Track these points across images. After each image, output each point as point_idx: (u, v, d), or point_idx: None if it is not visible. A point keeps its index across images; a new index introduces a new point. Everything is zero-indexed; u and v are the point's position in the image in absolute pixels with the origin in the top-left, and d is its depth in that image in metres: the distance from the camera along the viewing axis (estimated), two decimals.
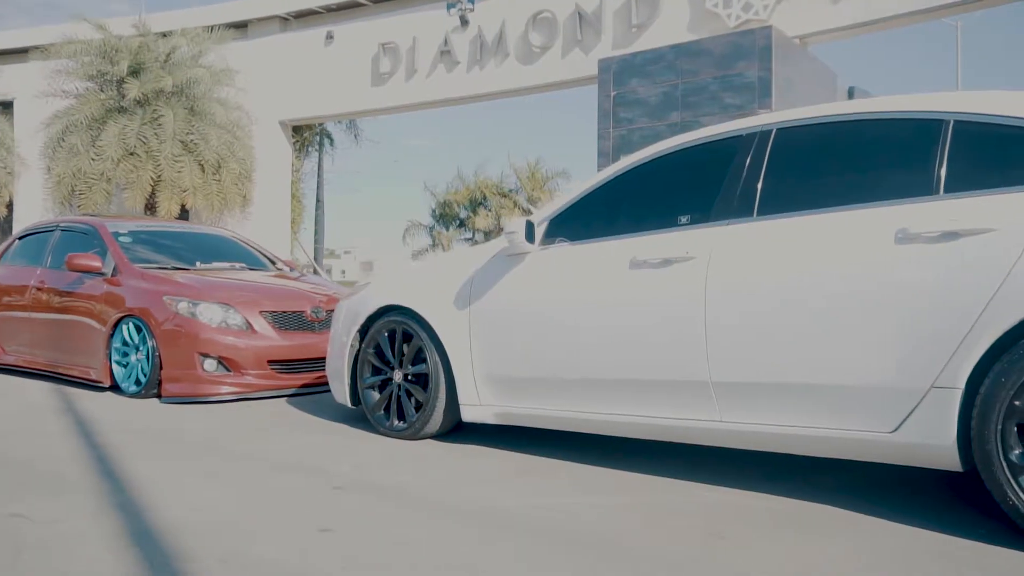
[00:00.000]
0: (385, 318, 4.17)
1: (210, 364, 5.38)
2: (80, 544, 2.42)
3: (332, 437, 4.16)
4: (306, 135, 19.14)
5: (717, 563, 2.27)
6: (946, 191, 2.65)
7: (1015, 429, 2.38)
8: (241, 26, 16.66)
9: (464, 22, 14.23)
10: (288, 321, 5.69)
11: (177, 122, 15.14)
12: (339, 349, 4.45)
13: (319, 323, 5.84)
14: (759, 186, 3.05)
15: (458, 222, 48.57)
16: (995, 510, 2.50)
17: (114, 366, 5.76)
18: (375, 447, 3.90)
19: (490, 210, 46.37)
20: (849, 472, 3.16)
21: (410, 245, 50.31)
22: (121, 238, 6.40)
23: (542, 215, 3.70)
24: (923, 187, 2.70)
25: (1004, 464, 2.37)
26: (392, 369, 4.17)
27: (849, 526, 2.57)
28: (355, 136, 19.42)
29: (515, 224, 3.58)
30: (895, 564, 2.23)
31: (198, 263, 6.45)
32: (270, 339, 5.53)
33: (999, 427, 2.38)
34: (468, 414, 3.81)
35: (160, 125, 15.15)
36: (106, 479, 3.22)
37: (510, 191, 46.36)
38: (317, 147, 19.35)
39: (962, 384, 2.47)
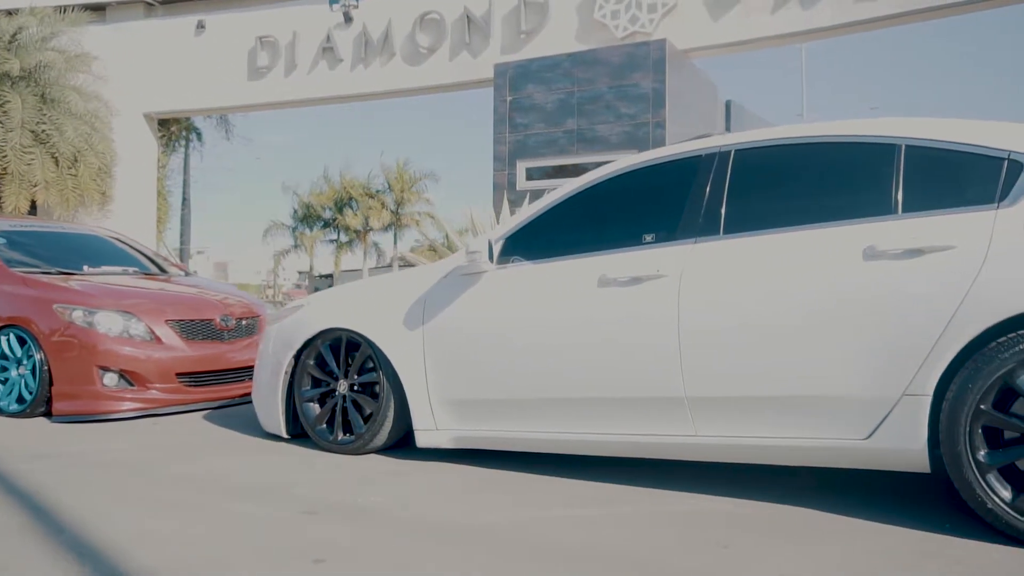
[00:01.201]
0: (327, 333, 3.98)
1: (111, 378, 4.95)
2: None
3: (271, 456, 3.92)
4: (173, 129, 17.99)
5: (731, 572, 2.32)
6: (904, 211, 2.82)
7: (981, 431, 2.57)
8: (99, 8, 15.44)
9: (348, 19, 13.84)
10: (196, 330, 5.33)
11: (26, 110, 13.80)
12: (271, 376, 4.19)
13: (228, 332, 5.52)
14: (723, 205, 3.14)
15: (323, 223, 47.36)
16: (961, 507, 2.71)
17: None
18: (324, 465, 3.71)
19: (357, 211, 45.53)
20: (817, 475, 3.31)
21: (271, 245, 48.48)
22: None
23: (497, 233, 3.63)
24: (882, 207, 2.87)
25: (972, 464, 2.56)
26: (335, 380, 3.98)
27: (836, 528, 2.69)
28: (226, 132, 18.43)
29: (478, 243, 3.49)
30: (891, 564, 2.36)
31: (85, 267, 5.91)
32: (177, 350, 5.16)
33: (967, 429, 2.57)
34: (424, 439, 3.68)
35: (6, 113, 13.75)
36: (40, 516, 2.88)
37: (378, 191, 45.71)
38: (184, 143, 18.23)
39: (931, 391, 2.65)
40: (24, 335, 5.07)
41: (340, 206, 46.40)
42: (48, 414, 5.04)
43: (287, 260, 48.12)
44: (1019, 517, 2.49)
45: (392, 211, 45.09)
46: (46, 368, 4.97)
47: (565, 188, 3.62)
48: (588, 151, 9.83)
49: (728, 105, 11.91)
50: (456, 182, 79.52)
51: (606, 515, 2.88)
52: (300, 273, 57.09)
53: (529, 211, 3.66)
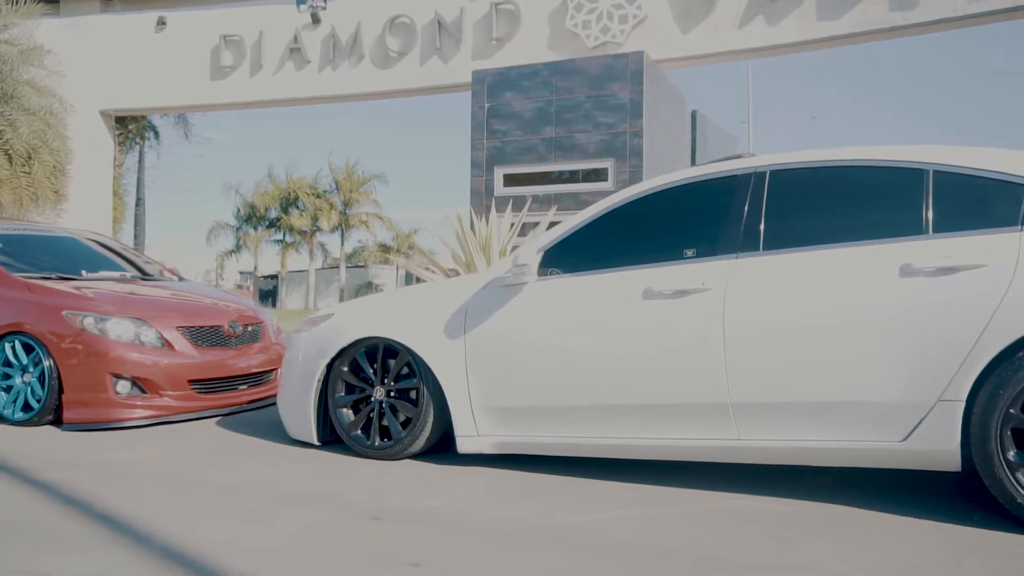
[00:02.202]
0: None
1: (123, 386, 4.92)
2: None
3: (309, 463, 3.98)
4: (131, 127, 17.54)
5: (801, 565, 2.52)
6: (934, 231, 3.09)
7: (1010, 433, 2.84)
8: (52, 1, 14.98)
9: (316, 20, 13.77)
10: (206, 337, 5.33)
11: None
12: (301, 383, 4.25)
13: (236, 338, 5.53)
14: (762, 223, 3.36)
15: (267, 223, 46.60)
16: (987, 503, 2.97)
17: None
18: (367, 472, 3.80)
19: (304, 211, 44.94)
20: (841, 473, 3.55)
21: (214, 246, 47.47)
22: None
23: (536, 246, 3.78)
24: (913, 227, 3.12)
25: (1003, 463, 2.82)
26: (371, 387, 4.07)
27: (878, 524, 2.92)
28: (185, 132, 18.04)
29: (526, 256, 3.64)
30: (936, 557, 2.60)
31: (84, 272, 5.83)
32: (189, 357, 5.15)
33: (998, 432, 2.83)
34: (466, 445, 3.81)
35: None
36: (107, 526, 2.91)
37: (325, 192, 45.21)
38: (139, 142, 17.79)
39: (964, 397, 2.90)
40: (31, 342, 4.99)
41: (286, 206, 45.73)
42: (56, 422, 4.98)
43: (231, 261, 47.17)
44: None
45: (340, 212, 44.70)
46: (55, 375, 4.91)
47: (602, 204, 3.79)
48: (566, 159, 10.03)
49: (694, 115, 12.31)
50: (409, 185, 79.17)
51: (666, 514, 3.06)
52: (241, 274, 56.02)
53: (567, 225, 3.82)
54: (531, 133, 10.23)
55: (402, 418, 4.02)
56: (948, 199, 3.12)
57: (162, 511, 3.09)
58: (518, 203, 9.53)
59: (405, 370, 4.02)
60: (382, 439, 4.04)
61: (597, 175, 9.86)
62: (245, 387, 5.54)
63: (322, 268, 49.56)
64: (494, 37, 12.55)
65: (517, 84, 10.38)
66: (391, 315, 4.10)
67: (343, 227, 45.49)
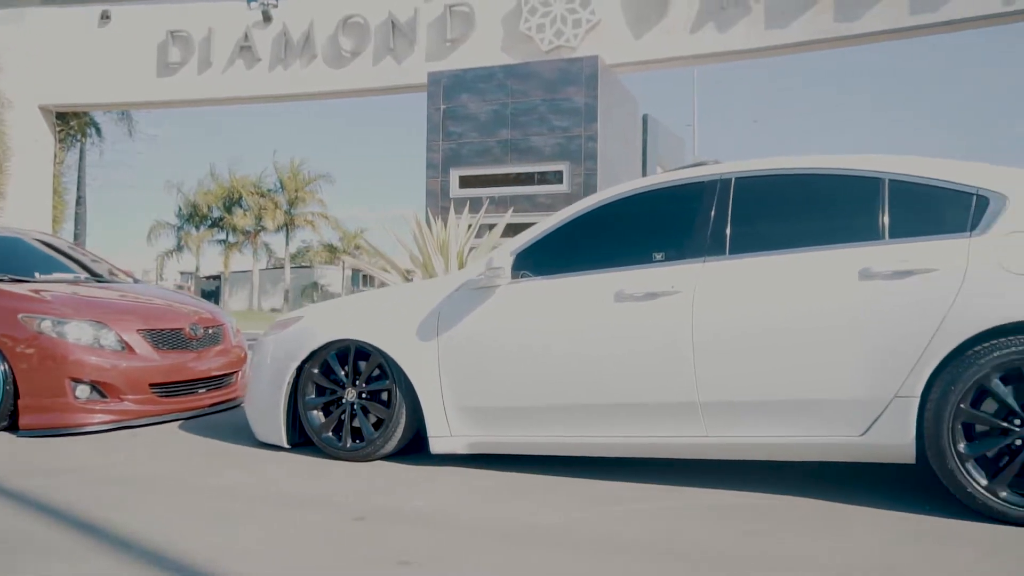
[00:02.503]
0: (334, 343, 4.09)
1: (83, 390, 4.83)
2: None
3: (284, 466, 3.98)
4: (73, 124, 17.01)
5: (769, 556, 2.65)
6: (890, 236, 3.26)
7: (960, 427, 3.02)
8: None
9: (267, 18, 13.57)
10: (167, 340, 5.26)
11: None
12: (270, 386, 4.25)
13: (197, 341, 5.47)
14: (728, 228, 3.49)
15: (210, 222, 45.66)
16: (937, 491, 3.15)
17: None
18: (342, 473, 3.81)
19: (248, 211, 44.16)
20: (806, 467, 3.71)
21: (155, 246, 46.29)
22: None
23: (508, 249, 3.85)
24: (871, 233, 3.29)
25: (954, 455, 3.00)
26: (342, 388, 4.09)
27: (840, 515, 3.07)
28: (129, 129, 17.56)
29: (500, 259, 3.71)
30: (897, 542, 2.76)
31: (37, 274, 5.69)
32: (150, 360, 5.08)
33: (950, 425, 3.01)
34: (438, 446, 3.86)
35: None
36: (93, 533, 2.88)
37: (270, 191, 44.50)
38: (80, 139, 17.26)
39: (919, 393, 3.07)
40: None
41: (229, 205, 44.88)
42: (10, 428, 4.85)
43: (172, 261, 46.06)
44: (993, 499, 2.94)
45: (285, 211, 44.04)
46: (11, 380, 4.79)
47: (573, 208, 3.89)
48: (522, 161, 10.13)
49: (645, 119, 12.52)
50: (357, 185, 78.35)
51: (647, 510, 3.15)
52: (182, 274, 54.75)
53: (539, 228, 3.90)
54: (487, 135, 10.29)
55: (373, 419, 4.05)
56: (903, 206, 3.30)
57: (146, 516, 3.06)
58: (474, 204, 9.58)
59: (377, 372, 4.04)
60: (354, 440, 4.06)
61: (552, 178, 9.98)
62: (206, 390, 5.48)
63: (266, 268, 48.75)
64: (448, 38, 12.57)
65: (473, 86, 10.43)
66: (362, 317, 4.13)
67: (288, 227, 44.87)
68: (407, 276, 8.43)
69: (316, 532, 2.89)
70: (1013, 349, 2.94)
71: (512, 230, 8.96)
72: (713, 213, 3.54)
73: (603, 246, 3.82)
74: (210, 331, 5.62)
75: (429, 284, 4.21)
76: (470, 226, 8.48)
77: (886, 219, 3.28)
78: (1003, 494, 2.95)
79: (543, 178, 10.00)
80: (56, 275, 5.82)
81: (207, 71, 13.97)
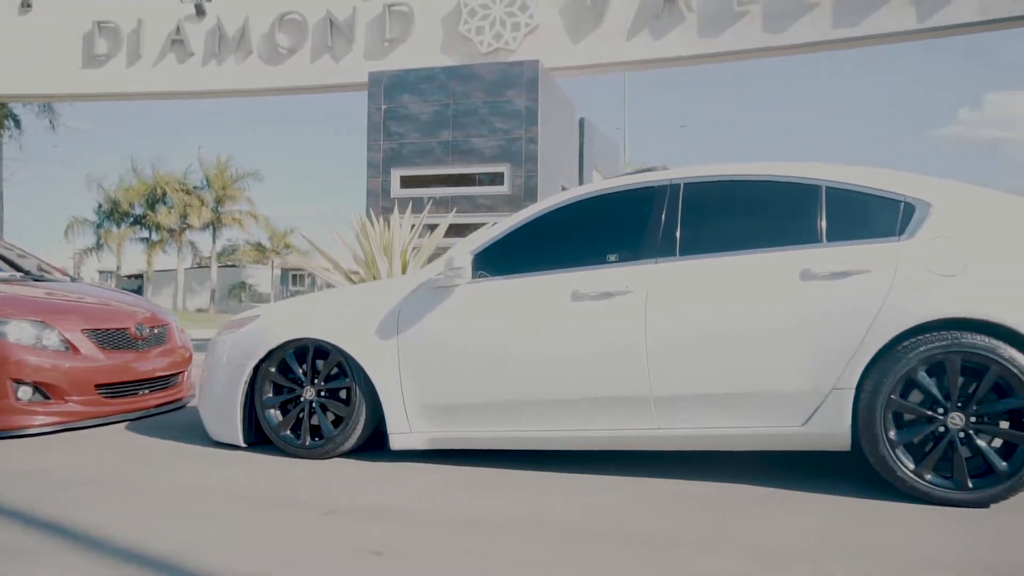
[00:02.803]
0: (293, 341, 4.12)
1: (25, 392, 4.72)
2: None
3: (244, 465, 3.99)
4: None
5: (725, 539, 2.83)
6: (828, 240, 3.51)
7: (891, 416, 3.28)
8: None
9: (200, 12, 13.30)
10: (112, 340, 5.17)
11: None
12: (227, 385, 4.26)
13: (143, 341, 5.39)
14: (678, 230, 3.69)
15: (132, 219, 44.18)
16: (868, 476, 3.41)
17: None
18: (304, 471, 3.85)
19: (172, 207, 42.89)
20: (752, 457, 3.93)
21: (72, 243, 44.48)
22: None
23: (467, 249, 3.95)
24: (811, 236, 3.53)
25: (886, 442, 3.26)
26: (300, 387, 4.12)
27: (786, 499, 3.30)
28: (51, 122, 16.85)
29: (461, 259, 3.81)
30: (843, 523, 2.99)
31: None
32: (95, 360, 4.99)
33: (882, 414, 3.27)
34: (398, 442, 3.94)
35: None
36: (61, 535, 2.86)
37: (196, 188, 43.33)
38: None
39: (854, 385, 3.32)
40: None
41: (152, 202, 43.52)
42: None
43: (91, 259, 44.35)
44: (920, 481, 3.21)
45: (212, 209, 42.95)
46: None
47: (530, 210, 4.03)
48: (463, 162, 10.22)
49: (582, 122, 12.78)
50: (290, 184, 76.89)
51: (607, 500, 3.31)
52: (101, 273, 52.69)
53: (497, 230, 4.02)
54: (428, 136, 10.34)
55: (331, 417, 4.10)
56: (838, 212, 3.55)
57: (113, 517, 3.05)
58: (415, 205, 9.62)
59: (335, 370, 4.10)
60: (313, 438, 4.10)
61: (494, 179, 10.11)
62: (151, 391, 5.40)
63: (192, 267, 47.42)
64: (387, 38, 12.56)
65: (414, 87, 10.46)
66: (321, 317, 4.17)
67: (215, 225, 43.76)
68: (351, 276, 8.43)
69: (288, 527, 2.95)
70: (936, 344, 3.21)
71: (454, 231, 9.06)
72: (664, 216, 3.73)
73: (560, 247, 3.96)
74: (155, 331, 5.54)
75: (388, 284, 4.28)
76: (413, 226, 8.54)
77: (824, 224, 3.53)
78: (928, 477, 3.23)
79: (484, 179, 10.12)
80: None
81: (136, 63, 13.59)
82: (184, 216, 42.57)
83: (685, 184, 3.80)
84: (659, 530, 2.92)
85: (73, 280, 6.40)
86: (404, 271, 8.43)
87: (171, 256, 45.20)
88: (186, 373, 5.82)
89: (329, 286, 8.49)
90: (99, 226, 44.79)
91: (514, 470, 3.80)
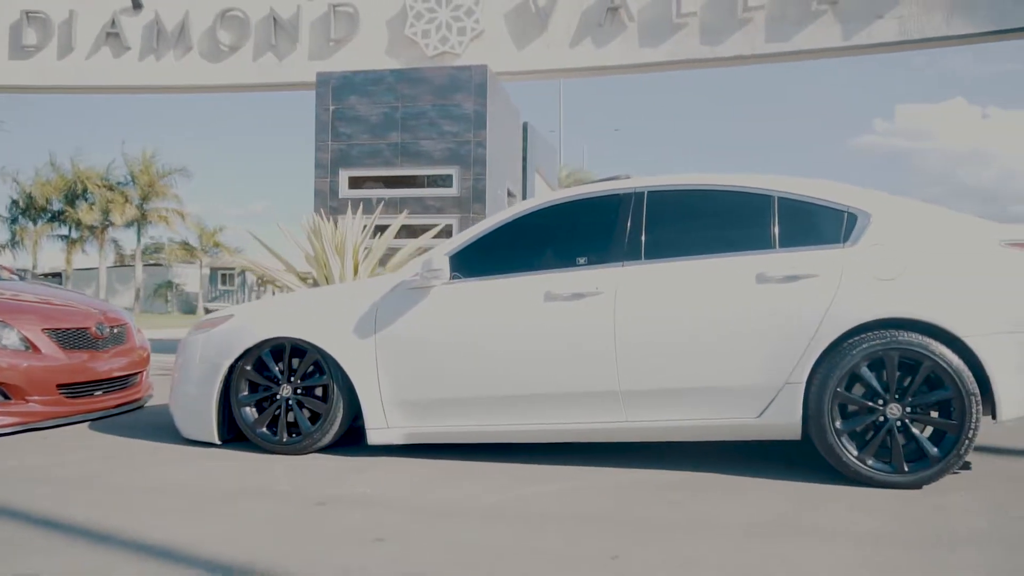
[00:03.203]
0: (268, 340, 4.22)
1: None
2: None
3: (222, 461, 4.06)
4: None
5: (695, 520, 3.09)
6: (780, 246, 3.82)
7: (837, 407, 3.60)
8: None
9: (137, 5, 12.99)
10: (73, 339, 5.15)
11: None
12: (201, 384, 4.32)
13: (103, 340, 5.37)
14: (643, 235, 3.95)
15: (49, 215, 42.48)
16: (815, 464, 3.74)
17: None
18: (285, 466, 3.96)
19: (94, 204, 41.41)
20: (708, 446, 4.22)
21: None
22: None
23: (442, 251, 4.12)
24: (765, 242, 3.84)
25: (833, 431, 3.58)
26: (276, 385, 4.22)
27: (746, 485, 3.58)
28: None
29: (440, 261, 3.97)
30: (800, 507, 3.28)
31: None
32: (57, 360, 4.97)
33: (830, 406, 3.59)
34: (376, 437, 4.08)
35: None
36: (60, 530, 2.93)
37: (119, 184, 41.95)
38: None
39: (804, 380, 3.64)
40: None
41: (72, 198, 41.94)
42: None
43: (5, 257, 42.36)
44: (863, 466, 3.54)
45: (137, 206, 41.64)
46: None
47: (502, 215, 4.23)
48: (412, 164, 10.35)
49: (526, 127, 13.05)
50: (217, 182, 74.85)
51: (577, 487, 3.54)
52: (14, 271, 50.42)
53: (471, 233, 4.20)
54: (377, 137, 10.42)
55: (307, 414, 4.21)
56: (789, 220, 3.86)
57: (96, 513, 3.11)
58: (364, 205, 9.69)
59: (312, 368, 4.21)
60: (290, 435, 4.21)
61: (442, 181, 10.26)
62: (111, 391, 5.39)
63: (115, 266, 45.88)
64: (332, 38, 12.55)
65: (362, 88, 10.52)
66: (298, 316, 4.28)
67: (140, 223, 42.45)
68: (304, 278, 8.46)
69: (282, 517, 3.07)
70: (877, 342, 3.55)
71: (405, 231, 9.17)
72: (630, 222, 3.98)
73: (531, 250, 4.18)
74: (115, 330, 5.52)
75: (365, 284, 4.42)
76: (365, 227, 8.62)
77: (776, 231, 3.84)
78: (870, 462, 3.56)
79: (433, 181, 10.26)
80: None
81: (68, 56, 13.21)
82: (107, 213, 41.16)
83: (649, 192, 4.06)
84: (633, 514, 3.16)
85: (21, 279, 6.28)
86: (356, 271, 8.53)
87: (92, 255, 43.66)
88: (144, 373, 5.81)
89: (280, 288, 8.50)
90: (13, 222, 42.94)
91: (483, 462, 3.99)
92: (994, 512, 3.20)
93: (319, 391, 4.21)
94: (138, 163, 41.62)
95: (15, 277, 6.21)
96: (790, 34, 10.90)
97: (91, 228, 41.91)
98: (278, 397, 4.22)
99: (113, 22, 13.08)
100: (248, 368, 4.25)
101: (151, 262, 47.17)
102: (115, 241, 43.72)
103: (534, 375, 3.90)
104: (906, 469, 3.53)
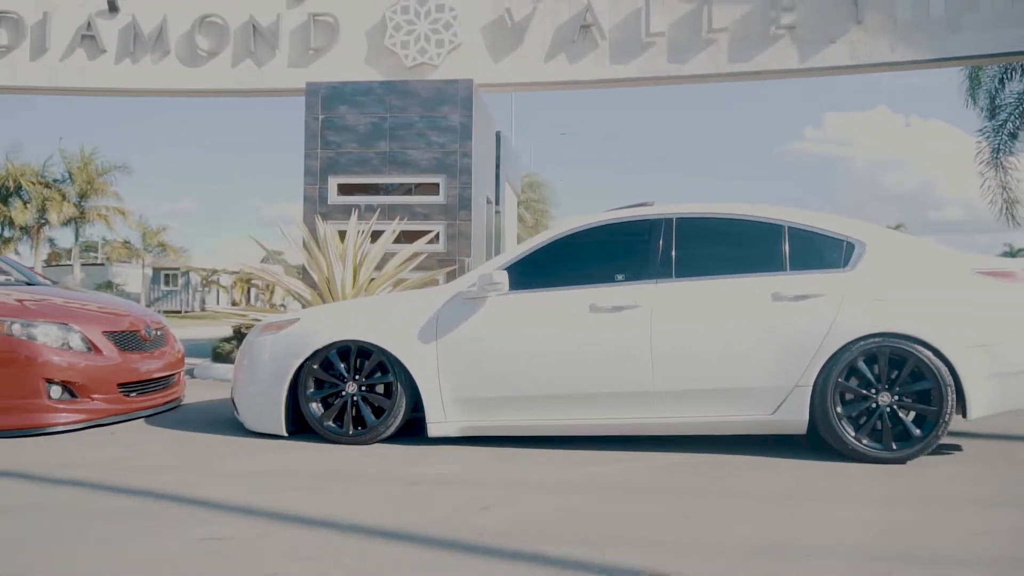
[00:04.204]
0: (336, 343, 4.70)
1: (56, 390, 5.02)
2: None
3: (297, 451, 4.53)
4: None
5: (734, 488, 3.72)
6: (791, 269, 4.49)
7: (839, 395, 4.28)
8: None
9: (113, 8, 13.06)
10: (126, 341, 5.51)
11: None
12: (270, 381, 4.79)
13: (150, 342, 5.74)
14: (673, 256, 4.57)
15: None
16: (817, 448, 4.42)
17: None
18: (358, 455, 4.45)
19: (29, 202, 40.16)
20: (725, 436, 4.88)
21: None
22: None
23: (496, 265, 4.69)
24: (778, 265, 4.51)
25: (836, 416, 4.27)
26: (343, 382, 4.70)
27: (765, 462, 4.24)
28: None
29: (500, 276, 4.53)
30: (814, 478, 3.95)
31: None
32: (117, 360, 5.33)
33: (833, 395, 4.27)
34: (435, 430, 4.61)
35: None
36: (175, 503, 3.37)
37: (56, 181, 40.77)
38: None
39: (811, 383, 4.31)
40: None
41: (5, 196, 40.56)
42: None
43: None
44: (859, 444, 4.24)
45: (75, 204, 40.55)
46: None
47: (547, 234, 4.80)
48: (400, 172, 10.81)
49: (499, 136, 13.63)
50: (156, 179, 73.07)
51: (628, 468, 4.13)
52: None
53: (519, 251, 4.77)
54: (365, 146, 10.84)
55: (371, 409, 4.70)
56: (798, 247, 4.54)
57: (229, 492, 3.56)
58: (361, 212, 10.10)
59: (374, 367, 4.70)
60: (355, 427, 4.69)
61: (430, 189, 10.76)
62: (156, 390, 5.75)
63: (52, 265, 44.53)
64: (312, 47, 12.86)
65: (352, 99, 10.93)
66: (364, 321, 4.76)
67: (78, 222, 41.34)
68: (297, 277, 8.85)
69: (390, 494, 3.58)
70: (872, 342, 4.26)
71: (400, 237, 9.62)
72: (661, 244, 4.60)
73: (575, 266, 4.75)
74: (159, 333, 5.88)
75: (425, 294, 4.92)
76: (361, 232, 9.07)
77: (787, 255, 4.52)
78: (864, 441, 4.27)
79: (421, 189, 10.74)
80: None
81: (42, 57, 13.19)
82: (43, 211, 39.97)
83: (677, 218, 4.69)
84: (683, 485, 3.78)
85: (54, 283, 6.55)
86: (355, 276, 8.97)
87: (24, 254, 42.30)
88: (181, 373, 6.17)
89: (268, 290, 8.87)
90: None
91: (538, 450, 4.56)
92: (970, 481, 3.93)
93: (380, 388, 4.70)
94: (76, 160, 40.53)
95: (48, 282, 6.47)
96: (751, 55, 11.73)
97: (24, 228, 40.61)
98: (343, 394, 4.70)
99: (89, 24, 13.12)
100: (315, 367, 4.72)
101: (89, 262, 45.97)
102: (51, 240, 42.43)
103: (580, 377, 4.48)
104: (894, 447, 4.24)
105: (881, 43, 11.18)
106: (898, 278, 4.39)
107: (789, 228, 4.57)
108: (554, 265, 4.74)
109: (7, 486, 3.74)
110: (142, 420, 5.46)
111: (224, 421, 5.51)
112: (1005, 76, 13.85)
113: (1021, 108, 13.89)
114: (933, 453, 4.40)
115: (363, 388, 4.70)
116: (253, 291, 52.74)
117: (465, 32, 12.53)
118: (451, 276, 10.31)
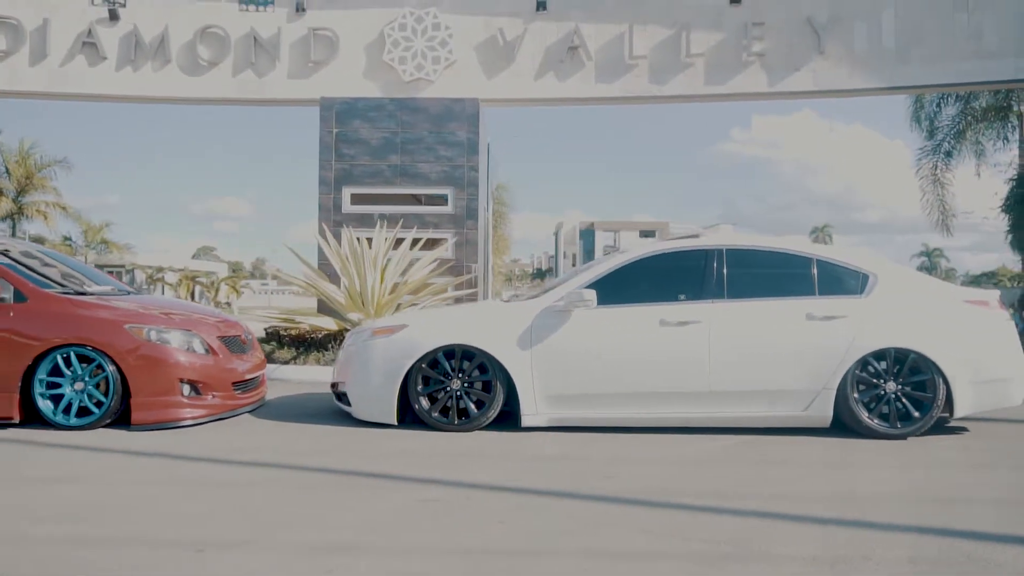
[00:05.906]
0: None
1: (187, 389, 5.71)
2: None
3: (415, 438, 5.38)
4: None
5: (786, 458, 4.76)
6: (820, 294, 5.58)
7: (858, 383, 5.39)
8: None
9: (114, 16, 13.40)
10: (233, 344, 6.24)
11: None
12: (384, 378, 5.65)
13: (246, 345, 6.47)
14: (725, 280, 5.61)
15: None
16: (837, 431, 5.54)
17: (39, 400, 5.52)
18: (470, 440, 5.34)
19: None
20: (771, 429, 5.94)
21: None
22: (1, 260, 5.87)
23: (580, 283, 5.64)
24: (809, 290, 5.59)
25: (856, 400, 5.38)
26: (448, 379, 5.58)
27: (800, 439, 5.31)
28: None
29: (588, 293, 5.48)
30: (837, 450, 5.03)
31: (89, 287, 6.25)
32: (229, 361, 6.05)
33: (853, 385, 5.38)
34: (528, 421, 5.54)
35: None
36: (384, 478, 4.22)
37: None
38: None
39: (835, 387, 5.42)
40: (91, 353, 5.51)
41: None
42: (114, 424, 5.57)
43: None
44: (873, 422, 5.38)
45: (13, 199, 39.48)
46: (119, 382, 5.52)
47: (620, 258, 5.81)
48: (411, 184, 11.61)
49: (488, 147, 14.51)
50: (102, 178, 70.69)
51: (694, 450, 5.14)
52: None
53: (596, 272, 5.73)
54: (378, 159, 11.60)
55: (474, 402, 5.59)
56: (825, 276, 5.65)
57: (403, 467, 4.40)
58: (365, 220, 10.89)
59: (476, 367, 5.58)
60: (459, 418, 5.57)
61: (439, 200, 11.60)
62: (252, 388, 6.48)
63: None
64: (311, 60, 13.50)
65: (364, 114, 11.66)
66: (467, 328, 5.66)
67: (15, 218, 40.23)
68: (310, 282, 9.60)
69: (523, 469, 4.49)
70: (883, 344, 5.39)
71: (414, 244, 10.45)
72: (715, 269, 5.64)
73: (643, 286, 5.75)
74: (250, 337, 6.61)
75: (518, 306, 5.82)
76: (385, 239, 9.87)
77: (817, 283, 5.61)
78: (876, 420, 5.40)
79: (430, 200, 11.58)
80: (100, 287, 6.39)
81: (42, 63, 13.45)
82: None
83: (727, 250, 5.73)
84: (745, 457, 4.82)
85: (138, 292, 7.16)
86: (382, 280, 9.77)
87: None
88: (264, 373, 6.90)
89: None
90: None
91: (617, 435, 5.53)
92: (963, 451, 5.10)
93: (478, 385, 5.59)
94: (14, 154, 39.43)
95: (132, 290, 7.09)
96: (725, 79, 12.94)
97: None
98: (448, 389, 5.58)
99: (89, 31, 13.44)
100: (424, 366, 5.57)
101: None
102: None
103: (651, 378, 5.48)
104: (898, 426, 5.39)
105: (841, 71, 12.52)
106: (904, 304, 5.55)
107: (817, 260, 5.66)
108: (626, 284, 5.72)
109: (208, 469, 4.48)
110: (246, 415, 6.19)
111: (318, 412, 6.31)
112: (942, 101, 15.50)
113: (955, 130, 15.56)
114: (927, 433, 5.55)
115: (465, 384, 5.58)
116: (198, 288, 52.10)
117: (460, 49, 13.37)
118: (462, 286, 11.19)
